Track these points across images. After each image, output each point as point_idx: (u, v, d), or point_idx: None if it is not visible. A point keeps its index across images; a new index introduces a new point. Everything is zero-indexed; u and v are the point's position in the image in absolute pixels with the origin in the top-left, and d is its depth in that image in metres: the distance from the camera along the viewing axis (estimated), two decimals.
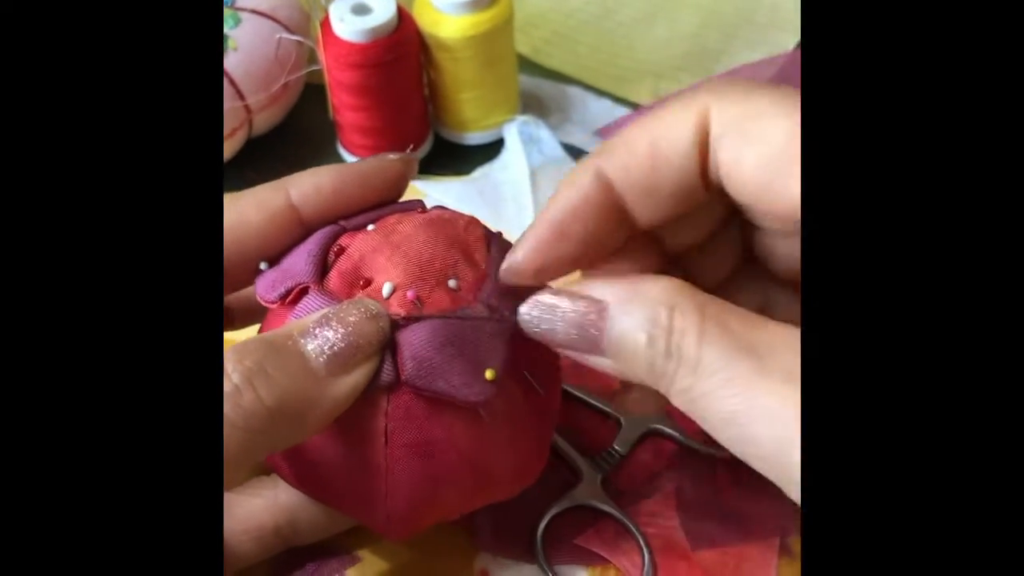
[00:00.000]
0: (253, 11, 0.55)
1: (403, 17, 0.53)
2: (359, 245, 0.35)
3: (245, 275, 0.36)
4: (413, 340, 0.33)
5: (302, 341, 0.32)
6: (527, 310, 0.32)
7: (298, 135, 0.59)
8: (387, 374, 0.33)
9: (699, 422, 0.29)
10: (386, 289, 0.34)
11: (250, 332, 0.41)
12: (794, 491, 0.27)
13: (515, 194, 0.54)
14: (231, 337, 0.42)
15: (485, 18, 0.53)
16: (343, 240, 0.36)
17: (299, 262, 0.35)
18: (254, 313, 0.40)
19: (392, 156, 0.38)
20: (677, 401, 0.29)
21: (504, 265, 0.33)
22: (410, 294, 0.34)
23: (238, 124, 0.55)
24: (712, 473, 0.43)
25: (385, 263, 0.35)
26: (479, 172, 0.56)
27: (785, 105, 0.29)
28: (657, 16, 0.64)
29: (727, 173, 0.30)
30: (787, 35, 0.62)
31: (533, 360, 0.36)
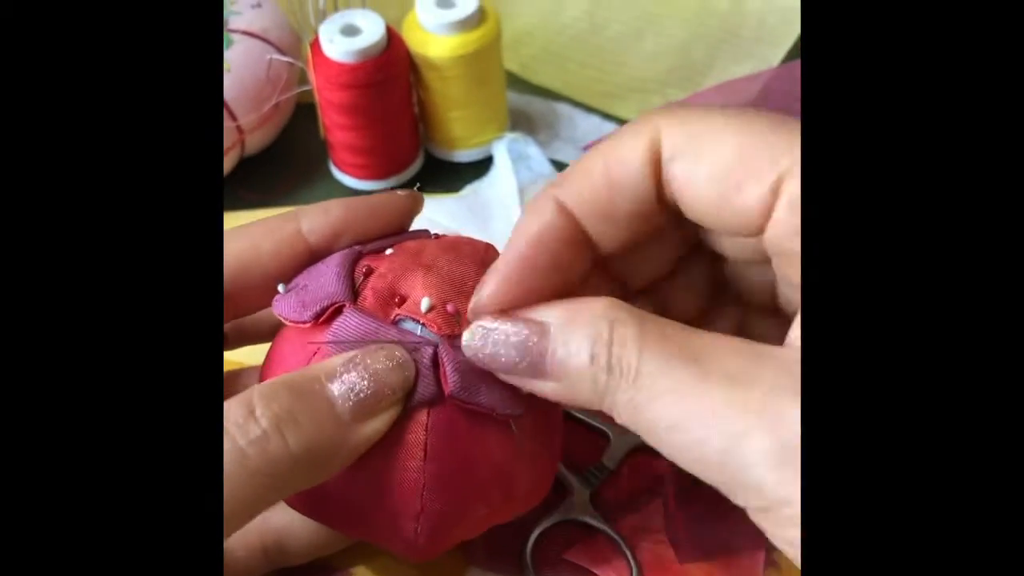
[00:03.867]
0: (245, 32, 0.56)
1: (392, 38, 0.53)
2: (389, 265, 0.36)
3: (254, 300, 0.37)
4: (457, 354, 0.34)
5: (329, 385, 0.32)
6: (469, 336, 0.32)
7: (290, 154, 0.59)
8: (428, 388, 0.33)
9: (644, 436, 0.29)
10: (425, 304, 0.34)
11: (241, 353, 0.42)
12: (740, 494, 0.27)
13: (504, 211, 0.55)
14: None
15: (473, 38, 0.53)
16: (368, 262, 0.36)
17: (328, 282, 0.35)
18: (246, 335, 0.41)
19: (400, 192, 0.38)
20: (622, 417, 0.30)
21: (473, 301, 0.33)
22: (450, 307, 0.34)
23: (230, 144, 0.56)
24: (699, 487, 0.43)
25: (419, 282, 0.35)
26: (468, 189, 0.57)
27: (733, 124, 0.29)
28: (645, 31, 0.65)
29: (680, 191, 0.31)
30: (773, 49, 0.63)
31: None
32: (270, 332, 0.40)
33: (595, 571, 0.41)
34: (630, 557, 0.41)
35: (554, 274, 0.32)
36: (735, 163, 0.29)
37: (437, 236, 0.39)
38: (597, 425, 0.45)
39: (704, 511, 0.43)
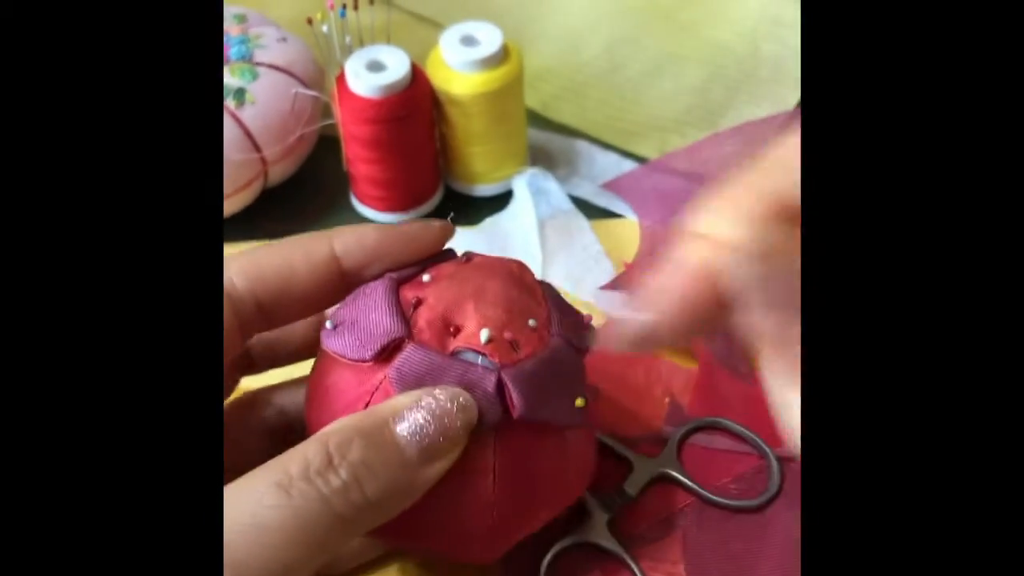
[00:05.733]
0: (270, 66, 0.57)
1: (416, 74, 0.54)
2: (437, 295, 0.37)
3: (285, 317, 0.38)
4: (521, 378, 0.35)
5: (396, 428, 0.33)
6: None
7: (312, 186, 0.60)
8: (495, 415, 0.34)
9: None
10: (484, 335, 0.35)
11: (270, 376, 0.42)
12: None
13: (523, 243, 0.56)
14: (247, 384, 0.43)
15: (496, 76, 0.54)
16: (413, 292, 0.37)
17: (381, 317, 0.36)
18: (276, 357, 0.41)
19: (434, 222, 0.39)
20: None
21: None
22: (508, 335, 0.36)
23: (254, 175, 0.56)
24: (719, 522, 0.44)
25: (472, 311, 0.36)
26: (488, 221, 0.58)
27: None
28: (663, 71, 0.66)
29: None
30: (789, 91, 0.64)
31: (585, 383, 0.39)
32: (297, 352, 0.40)
33: None
34: None
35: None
36: None
37: (468, 257, 0.39)
38: (621, 452, 0.45)
39: (722, 543, 0.43)
